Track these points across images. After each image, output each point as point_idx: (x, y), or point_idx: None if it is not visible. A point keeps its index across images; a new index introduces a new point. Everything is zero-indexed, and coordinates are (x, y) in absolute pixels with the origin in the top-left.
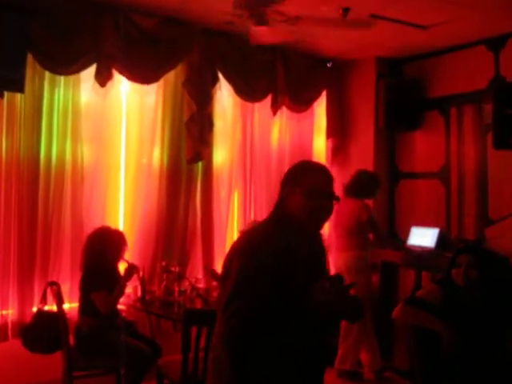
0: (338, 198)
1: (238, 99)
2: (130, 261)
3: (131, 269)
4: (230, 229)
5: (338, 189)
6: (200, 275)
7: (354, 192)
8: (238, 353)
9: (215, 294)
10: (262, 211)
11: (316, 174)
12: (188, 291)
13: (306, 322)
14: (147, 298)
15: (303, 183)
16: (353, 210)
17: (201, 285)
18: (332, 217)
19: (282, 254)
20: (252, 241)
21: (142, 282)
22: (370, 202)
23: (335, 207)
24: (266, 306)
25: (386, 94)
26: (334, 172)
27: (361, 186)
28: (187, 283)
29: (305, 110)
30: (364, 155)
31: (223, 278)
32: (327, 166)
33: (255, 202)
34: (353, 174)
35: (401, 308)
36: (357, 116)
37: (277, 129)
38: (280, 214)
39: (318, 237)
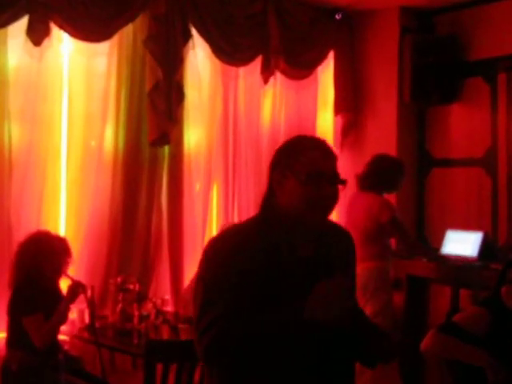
0: (343, 182)
1: (218, 62)
2: (75, 277)
3: (76, 287)
4: (208, 233)
5: (349, 180)
6: (167, 295)
7: (372, 184)
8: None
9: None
10: (249, 209)
11: (313, 151)
12: (151, 316)
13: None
14: (97, 325)
15: (297, 165)
16: (369, 208)
17: (168, 307)
18: (342, 217)
19: (258, 255)
20: (217, 241)
21: (91, 304)
22: (391, 198)
23: (346, 204)
24: (247, 311)
25: (412, 56)
26: (345, 158)
27: (380, 175)
28: (150, 306)
29: (306, 76)
30: (384, 136)
31: (194, 292)
32: (333, 147)
33: (240, 197)
34: (369, 161)
35: (432, 337)
36: (374, 85)
37: (269, 102)
38: (269, 208)
39: (339, 235)
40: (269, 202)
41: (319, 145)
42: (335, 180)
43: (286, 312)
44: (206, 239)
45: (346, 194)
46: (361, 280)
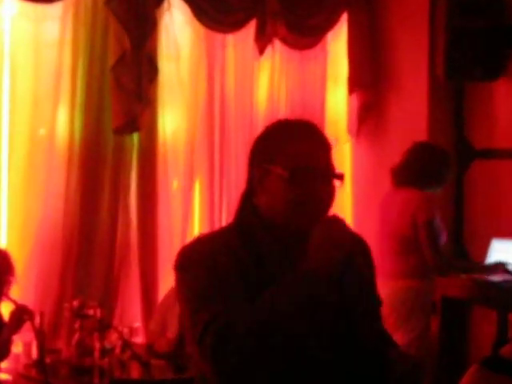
0: (340, 177)
1: (201, 28)
2: (19, 300)
3: (20, 313)
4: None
5: (370, 174)
6: (137, 323)
7: (411, 177)
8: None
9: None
10: None
11: (299, 140)
12: (117, 349)
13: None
14: (48, 360)
15: (280, 158)
16: (406, 206)
17: (139, 338)
18: (373, 222)
19: (235, 267)
20: (188, 248)
21: (39, 334)
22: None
23: (378, 206)
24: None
25: (448, 20)
26: (362, 148)
27: (422, 167)
28: (115, 336)
29: (312, 45)
30: (411, 121)
31: (180, 309)
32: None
33: (230, 198)
34: (407, 150)
35: (475, 375)
36: (399, 55)
37: (265, 78)
38: (247, 211)
39: (361, 248)
40: (247, 203)
41: (307, 131)
42: (329, 175)
43: (288, 279)
44: None
45: (377, 194)
46: (392, 303)
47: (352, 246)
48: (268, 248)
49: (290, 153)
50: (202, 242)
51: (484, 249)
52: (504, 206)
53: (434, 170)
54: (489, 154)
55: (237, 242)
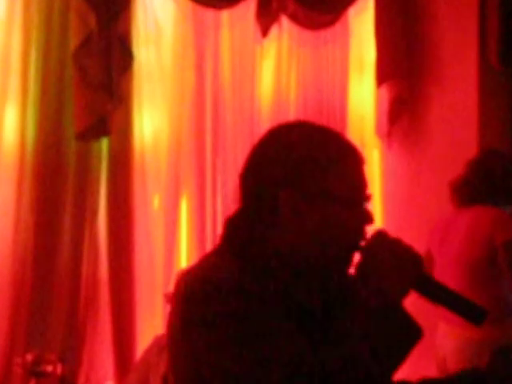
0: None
1: (187, 2)
2: None
3: None
4: (173, 278)
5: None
6: (109, 381)
7: (481, 193)
8: None
9: None
10: None
11: (348, 156)
12: None
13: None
14: None
15: (331, 181)
16: (477, 226)
17: None
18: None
19: (255, 297)
20: (203, 276)
21: None
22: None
23: (435, 230)
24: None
25: None
26: (394, 154)
27: (494, 180)
28: None
29: (329, 24)
30: (458, 119)
31: (171, 358)
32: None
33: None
34: (472, 160)
35: None
36: (441, 39)
37: (270, 66)
38: (257, 246)
39: None
40: (258, 236)
41: (349, 144)
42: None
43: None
44: (171, 287)
45: (414, 213)
46: (460, 355)
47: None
48: (294, 288)
49: (343, 174)
50: (220, 268)
51: None
52: None
53: (509, 184)
54: None
55: (250, 281)
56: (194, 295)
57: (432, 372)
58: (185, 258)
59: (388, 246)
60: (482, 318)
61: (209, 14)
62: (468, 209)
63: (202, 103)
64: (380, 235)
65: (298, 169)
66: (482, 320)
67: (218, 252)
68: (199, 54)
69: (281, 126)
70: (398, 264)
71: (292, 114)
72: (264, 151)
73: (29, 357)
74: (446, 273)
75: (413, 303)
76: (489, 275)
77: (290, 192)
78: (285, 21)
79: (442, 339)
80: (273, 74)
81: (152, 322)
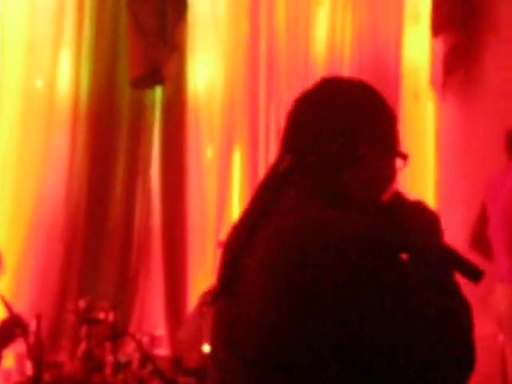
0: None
1: None
2: (9, 302)
3: (12, 326)
4: (226, 227)
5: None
6: (160, 330)
7: None
8: None
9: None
10: None
11: (392, 114)
12: (134, 364)
13: None
14: (46, 377)
15: (386, 134)
16: None
17: (162, 350)
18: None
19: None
20: (362, 226)
21: (37, 345)
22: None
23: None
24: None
25: None
26: (450, 108)
27: None
28: (132, 347)
29: None
30: None
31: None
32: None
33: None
34: None
35: None
36: None
37: (325, 15)
38: (343, 194)
39: None
40: (337, 184)
41: (385, 103)
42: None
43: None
44: (223, 235)
45: (469, 167)
46: (508, 314)
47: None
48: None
49: (391, 128)
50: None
51: None
52: None
53: None
54: None
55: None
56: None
57: (489, 328)
58: (237, 208)
59: (413, 206)
60: (479, 276)
61: None
62: None
63: (256, 52)
64: (402, 196)
65: (373, 121)
66: (479, 278)
67: (317, 203)
68: (254, 2)
69: (340, 82)
70: (429, 221)
71: (346, 64)
72: (335, 104)
73: (81, 303)
74: (496, 231)
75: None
76: None
77: (370, 143)
78: None
79: (499, 297)
80: (327, 22)
81: (204, 272)
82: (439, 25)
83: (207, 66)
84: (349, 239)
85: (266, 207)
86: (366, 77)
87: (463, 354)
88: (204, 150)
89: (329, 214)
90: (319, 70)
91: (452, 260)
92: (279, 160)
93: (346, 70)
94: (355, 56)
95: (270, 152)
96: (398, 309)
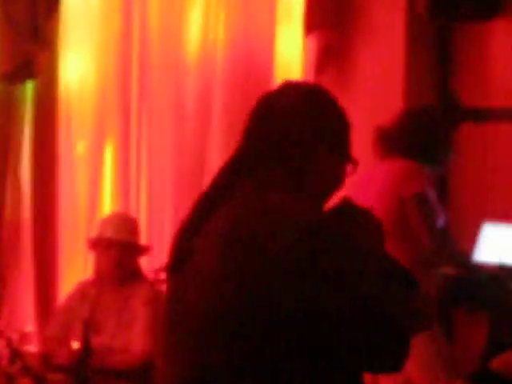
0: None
1: None
2: None
3: None
4: (97, 219)
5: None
6: (30, 326)
7: (401, 147)
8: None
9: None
10: (164, 182)
11: (345, 120)
12: (3, 361)
13: None
14: None
15: (343, 139)
16: (391, 178)
17: (32, 347)
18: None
19: None
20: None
21: None
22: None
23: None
24: None
25: None
26: None
27: (415, 136)
28: (1, 344)
29: None
30: (384, 70)
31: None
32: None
33: (150, 165)
34: (398, 113)
35: None
36: None
37: (198, 10)
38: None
39: None
40: (293, 179)
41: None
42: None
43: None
44: (95, 231)
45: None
46: None
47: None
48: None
49: (345, 132)
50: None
51: (473, 234)
52: (499, 180)
53: (431, 144)
54: (481, 115)
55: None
56: (320, 232)
57: None
58: (108, 204)
59: (362, 212)
60: (415, 286)
61: None
62: (385, 162)
63: (129, 48)
64: (351, 202)
65: (333, 125)
66: (415, 288)
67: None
68: None
69: (303, 86)
70: (376, 229)
71: (219, 61)
72: (295, 108)
73: None
74: None
75: None
76: (402, 230)
77: (326, 148)
78: None
79: None
80: (200, 20)
81: (75, 267)
82: (312, 24)
83: (79, 62)
84: (300, 221)
85: (223, 192)
86: (239, 74)
87: (399, 341)
88: (75, 144)
89: (281, 199)
90: (192, 68)
91: (392, 268)
92: (239, 150)
93: (220, 68)
94: (228, 54)
95: (141, 148)
96: (345, 289)
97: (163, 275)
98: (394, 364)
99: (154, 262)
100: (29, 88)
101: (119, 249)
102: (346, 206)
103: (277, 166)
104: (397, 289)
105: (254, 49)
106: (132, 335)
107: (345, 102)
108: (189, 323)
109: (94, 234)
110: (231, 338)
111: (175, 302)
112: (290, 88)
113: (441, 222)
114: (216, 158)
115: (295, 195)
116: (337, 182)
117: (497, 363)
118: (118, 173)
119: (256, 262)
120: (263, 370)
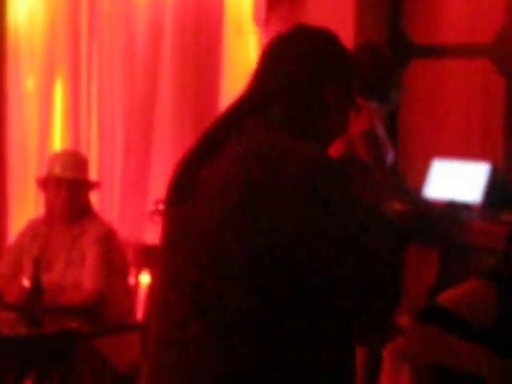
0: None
1: None
2: None
3: None
4: (47, 154)
5: None
6: None
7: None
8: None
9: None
10: (114, 119)
11: (351, 66)
12: None
13: None
14: None
15: (351, 80)
16: None
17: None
18: None
19: None
20: (326, 160)
21: None
22: None
23: None
24: None
25: None
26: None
27: (364, 73)
28: None
29: None
30: (334, 8)
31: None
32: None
33: (101, 101)
34: (350, 49)
35: (410, 328)
36: None
37: None
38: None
39: None
40: (308, 122)
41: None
42: None
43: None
44: (44, 168)
45: None
46: None
47: None
48: None
49: (348, 72)
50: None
51: (423, 171)
52: (448, 117)
53: (379, 83)
54: (431, 51)
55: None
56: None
57: None
58: (58, 141)
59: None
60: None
61: None
62: None
63: None
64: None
65: (343, 69)
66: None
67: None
68: None
69: (305, 30)
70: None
71: (168, 7)
72: (306, 50)
73: None
74: None
75: None
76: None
77: (336, 89)
78: None
79: None
80: None
81: (25, 206)
82: None
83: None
84: (305, 159)
85: (229, 129)
86: (189, 11)
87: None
88: (24, 81)
89: (290, 137)
90: (142, 2)
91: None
92: (248, 90)
93: (169, 6)
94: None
95: (91, 83)
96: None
97: (162, 207)
98: (389, 301)
99: (104, 198)
100: None
101: (68, 186)
102: (348, 159)
103: (286, 107)
104: (386, 227)
105: None
106: (83, 272)
107: None
108: (197, 252)
109: (43, 172)
110: (242, 264)
111: (178, 233)
112: (301, 31)
113: (390, 158)
114: (166, 94)
115: (302, 137)
116: (343, 126)
117: (444, 298)
118: (68, 109)
119: (269, 186)
120: (266, 296)
